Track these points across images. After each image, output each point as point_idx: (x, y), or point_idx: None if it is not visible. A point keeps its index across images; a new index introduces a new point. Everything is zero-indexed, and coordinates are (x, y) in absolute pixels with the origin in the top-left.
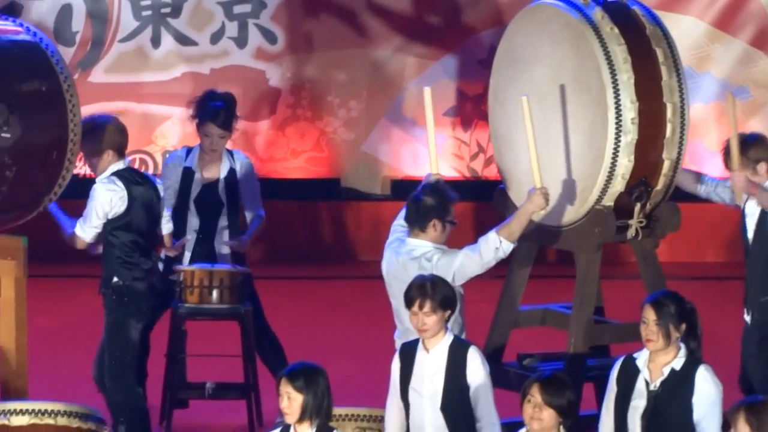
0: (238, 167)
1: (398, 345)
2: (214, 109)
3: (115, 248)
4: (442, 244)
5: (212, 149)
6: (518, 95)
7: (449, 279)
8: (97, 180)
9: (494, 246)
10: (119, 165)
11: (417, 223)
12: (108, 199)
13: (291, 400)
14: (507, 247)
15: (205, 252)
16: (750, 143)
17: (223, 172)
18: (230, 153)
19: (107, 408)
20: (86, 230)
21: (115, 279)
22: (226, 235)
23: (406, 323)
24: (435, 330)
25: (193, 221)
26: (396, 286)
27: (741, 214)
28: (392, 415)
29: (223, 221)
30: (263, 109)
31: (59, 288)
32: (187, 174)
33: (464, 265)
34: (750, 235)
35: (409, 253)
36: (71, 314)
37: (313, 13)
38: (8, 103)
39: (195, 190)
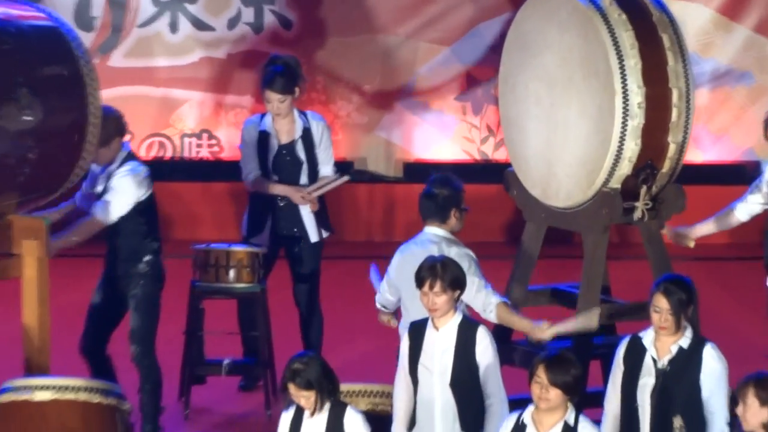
0: (313, 127)
1: (402, 335)
2: (270, 76)
3: (143, 226)
4: (458, 231)
5: (276, 113)
6: (528, 80)
7: None
8: (115, 168)
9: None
10: (124, 150)
11: (437, 216)
12: (140, 182)
13: (306, 399)
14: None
15: (289, 211)
16: None
17: (298, 132)
18: (304, 114)
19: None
20: (113, 215)
21: (148, 256)
22: (306, 178)
23: (412, 315)
24: (445, 309)
25: (283, 173)
26: (406, 277)
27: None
28: (400, 390)
29: (303, 179)
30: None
31: (79, 267)
32: (263, 137)
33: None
34: None
35: (424, 243)
36: (87, 293)
37: (324, 3)
38: (30, 87)
39: (272, 152)
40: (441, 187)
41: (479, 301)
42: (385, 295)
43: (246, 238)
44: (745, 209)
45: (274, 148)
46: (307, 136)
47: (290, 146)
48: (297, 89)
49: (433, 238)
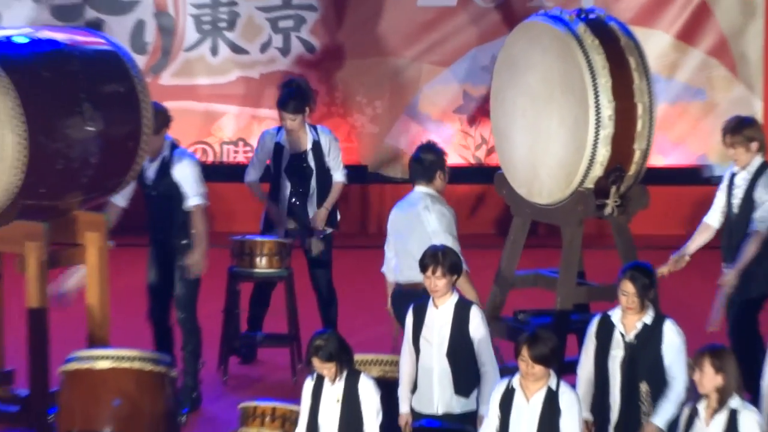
0: (322, 140)
1: (385, 274)
2: (284, 98)
3: None
4: (442, 190)
5: (290, 129)
6: (515, 96)
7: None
8: (168, 155)
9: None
10: (167, 140)
11: (424, 177)
12: (198, 165)
13: (328, 369)
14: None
15: (300, 212)
16: (746, 124)
17: (308, 144)
18: (314, 128)
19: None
20: (204, 197)
21: (194, 230)
22: (315, 197)
23: (402, 261)
24: (444, 291)
25: (286, 187)
26: (396, 228)
27: (729, 184)
28: (405, 359)
29: (313, 184)
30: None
31: (131, 255)
32: (278, 148)
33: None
34: (735, 201)
35: (412, 204)
36: (140, 278)
37: (344, 28)
38: (92, 102)
39: (285, 160)
40: (427, 153)
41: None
42: (387, 254)
43: (262, 232)
44: (715, 217)
45: (287, 157)
46: (316, 147)
47: (302, 156)
48: (307, 108)
49: (421, 196)
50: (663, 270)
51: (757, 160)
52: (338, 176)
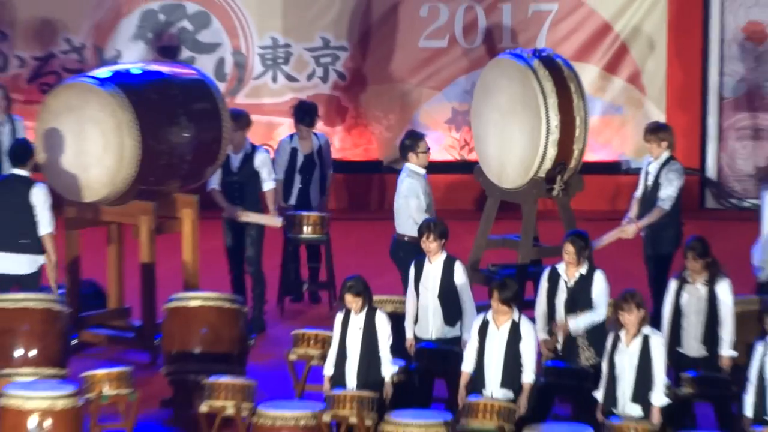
0: (322, 143)
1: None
2: (300, 116)
3: (259, 186)
4: (423, 165)
5: (302, 137)
6: (489, 112)
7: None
8: (250, 150)
9: None
10: (248, 140)
11: (402, 156)
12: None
13: (356, 303)
14: None
15: (305, 196)
16: (661, 128)
17: (315, 147)
18: (316, 135)
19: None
20: (275, 181)
21: (271, 207)
22: (317, 184)
23: (402, 220)
24: (436, 251)
25: (297, 179)
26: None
27: (645, 171)
28: (409, 300)
29: (316, 176)
30: (338, 119)
31: (212, 225)
32: (294, 150)
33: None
34: (648, 183)
35: (402, 174)
36: (219, 242)
37: (366, 63)
38: (187, 116)
39: (299, 159)
40: (405, 138)
41: (412, 220)
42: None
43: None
44: (640, 192)
45: (300, 157)
46: (319, 149)
47: (310, 156)
48: (314, 122)
49: (405, 168)
50: (604, 241)
51: (665, 155)
52: (329, 172)
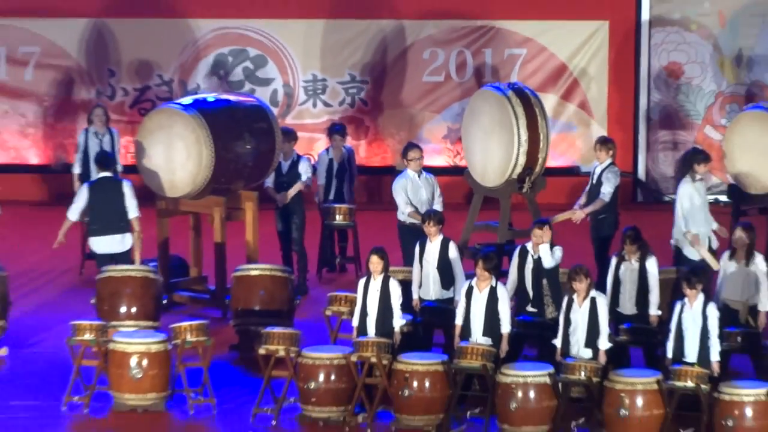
0: (349, 154)
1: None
2: (334, 131)
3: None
4: (414, 170)
5: (336, 147)
6: (475, 130)
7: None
8: (296, 159)
9: None
10: (294, 151)
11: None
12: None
13: (377, 264)
14: None
15: (340, 193)
16: (607, 140)
17: (345, 157)
18: (345, 147)
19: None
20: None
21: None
22: (347, 184)
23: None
24: (435, 233)
25: (334, 182)
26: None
27: (592, 173)
28: (415, 270)
29: (346, 178)
30: (361, 135)
31: (266, 215)
32: (330, 160)
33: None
34: (594, 181)
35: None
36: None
37: (383, 93)
38: (249, 133)
39: (334, 167)
40: (403, 149)
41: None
42: None
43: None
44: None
45: (335, 165)
46: (348, 158)
47: (341, 163)
48: (345, 138)
49: (402, 173)
50: (559, 217)
51: (608, 161)
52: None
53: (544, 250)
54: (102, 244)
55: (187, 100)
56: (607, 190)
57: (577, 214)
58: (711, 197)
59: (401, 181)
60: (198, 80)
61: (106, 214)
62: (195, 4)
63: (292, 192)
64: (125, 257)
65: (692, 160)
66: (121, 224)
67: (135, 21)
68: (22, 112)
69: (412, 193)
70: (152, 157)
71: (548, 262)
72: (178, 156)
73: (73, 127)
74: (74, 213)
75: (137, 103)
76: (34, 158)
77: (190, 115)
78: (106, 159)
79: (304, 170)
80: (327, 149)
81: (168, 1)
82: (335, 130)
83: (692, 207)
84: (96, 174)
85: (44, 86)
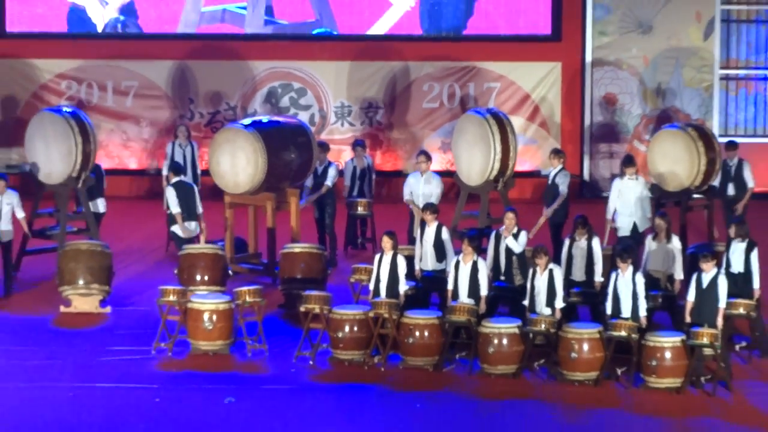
0: (369, 162)
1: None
2: (357, 145)
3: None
4: (420, 170)
5: (358, 156)
6: (462, 143)
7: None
8: (327, 165)
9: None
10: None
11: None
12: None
13: (388, 243)
14: None
15: (362, 191)
16: (559, 151)
17: (365, 164)
18: (366, 157)
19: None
20: (334, 179)
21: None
22: (368, 185)
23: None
24: (431, 220)
25: (357, 183)
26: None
27: (548, 176)
28: (417, 248)
29: (366, 180)
30: (377, 147)
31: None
32: (354, 168)
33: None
34: (550, 183)
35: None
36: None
37: (393, 115)
38: (294, 146)
39: (357, 172)
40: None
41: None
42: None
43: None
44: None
45: (358, 170)
46: (368, 165)
47: (363, 169)
48: (365, 150)
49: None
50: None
51: (560, 166)
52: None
53: (511, 242)
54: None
55: (247, 120)
56: (563, 189)
57: (546, 212)
58: None
59: (409, 178)
60: (255, 106)
61: (188, 206)
62: (253, 50)
63: (314, 196)
64: (194, 239)
65: (621, 164)
66: (198, 213)
67: (209, 62)
68: (124, 130)
69: (414, 187)
70: (221, 163)
71: (516, 249)
72: (240, 163)
73: (162, 141)
74: (174, 206)
75: (210, 123)
76: (132, 164)
77: (249, 132)
78: (180, 168)
79: (330, 175)
80: (352, 159)
81: (233, 48)
82: (358, 144)
83: (620, 197)
84: (173, 178)
85: (140, 111)
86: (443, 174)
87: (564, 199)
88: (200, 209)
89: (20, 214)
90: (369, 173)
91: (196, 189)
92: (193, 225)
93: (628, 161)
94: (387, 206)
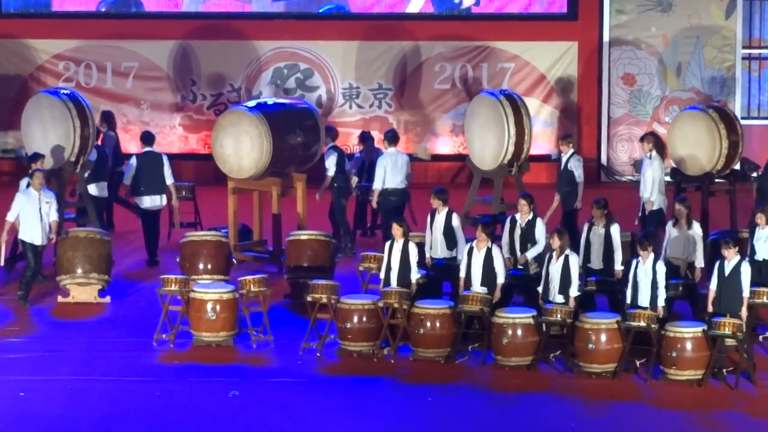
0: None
1: None
2: (366, 138)
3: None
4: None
5: (368, 149)
6: (474, 126)
7: None
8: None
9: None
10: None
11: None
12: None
13: (399, 230)
14: None
15: (371, 180)
16: (569, 135)
17: (376, 156)
18: (377, 149)
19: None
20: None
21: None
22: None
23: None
24: (441, 207)
25: (365, 174)
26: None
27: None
28: (428, 235)
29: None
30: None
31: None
32: (363, 162)
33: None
34: (562, 168)
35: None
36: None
37: (404, 98)
38: (300, 128)
39: (366, 165)
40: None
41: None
42: None
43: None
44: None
45: (366, 163)
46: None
47: (372, 162)
48: (374, 142)
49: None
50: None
51: (571, 151)
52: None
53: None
54: (147, 202)
55: (252, 103)
56: (579, 173)
57: (556, 200)
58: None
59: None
60: (260, 88)
61: (151, 180)
62: (258, 29)
63: (320, 191)
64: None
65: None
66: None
67: (212, 42)
68: (124, 113)
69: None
70: (224, 147)
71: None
72: (244, 146)
73: (164, 125)
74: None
75: (213, 106)
76: (132, 148)
77: (254, 115)
78: (149, 137)
79: (328, 165)
80: (360, 151)
81: (237, 27)
82: (366, 138)
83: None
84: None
85: (141, 93)
86: (455, 158)
87: (573, 183)
88: (170, 179)
89: (53, 217)
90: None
91: (165, 158)
92: (157, 198)
93: (643, 136)
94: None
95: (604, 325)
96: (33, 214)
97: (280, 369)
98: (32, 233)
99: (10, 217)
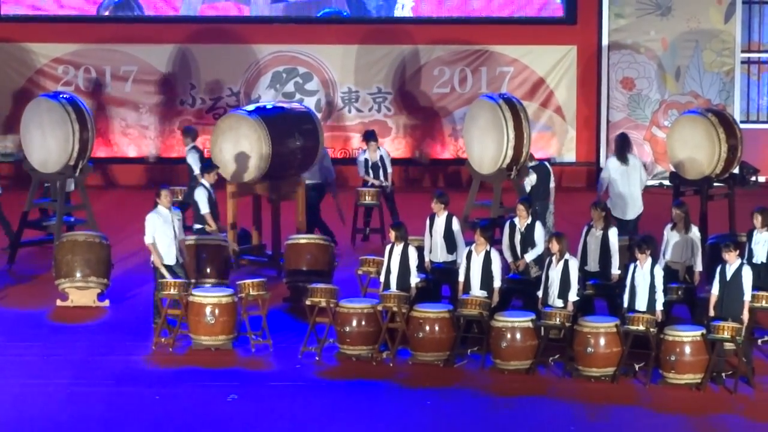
0: (383, 153)
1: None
2: (370, 135)
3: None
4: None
5: (372, 150)
6: (473, 129)
7: None
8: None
9: None
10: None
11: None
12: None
13: (397, 236)
14: None
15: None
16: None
17: (378, 157)
18: (378, 147)
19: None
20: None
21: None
22: (382, 174)
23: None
24: (441, 212)
25: (370, 175)
26: None
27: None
28: (427, 239)
29: (383, 173)
30: (386, 133)
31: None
32: (367, 161)
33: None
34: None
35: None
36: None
37: (404, 101)
38: (299, 133)
39: (369, 163)
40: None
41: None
42: None
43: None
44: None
45: (369, 163)
46: (381, 157)
47: (375, 162)
48: (378, 142)
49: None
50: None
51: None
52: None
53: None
54: None
55: (251, 107)
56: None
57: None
58: (656, 182)
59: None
60: (259, 92)
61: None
62: (257, 33)
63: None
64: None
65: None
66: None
67: (210, 46)
68: (123, 117)
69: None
70: (223, 151)
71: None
72: (243, 151)
73: (162, 128)
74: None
75: (212, 110)
76: (132, 152)
77: (253, 119)
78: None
79: (191, 161)
80: (364, 150)
81: (236, 31)
82: (370, 137)
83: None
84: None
85: (140, 96)
86: (454, 162)
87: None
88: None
89: (181, 236)
90: (383, 165)
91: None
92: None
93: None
94: (398, 195)
95: (602, 329)
96: (167, 233)
97: (279, 373)
98: (167, 254)
99: (148, 239)
